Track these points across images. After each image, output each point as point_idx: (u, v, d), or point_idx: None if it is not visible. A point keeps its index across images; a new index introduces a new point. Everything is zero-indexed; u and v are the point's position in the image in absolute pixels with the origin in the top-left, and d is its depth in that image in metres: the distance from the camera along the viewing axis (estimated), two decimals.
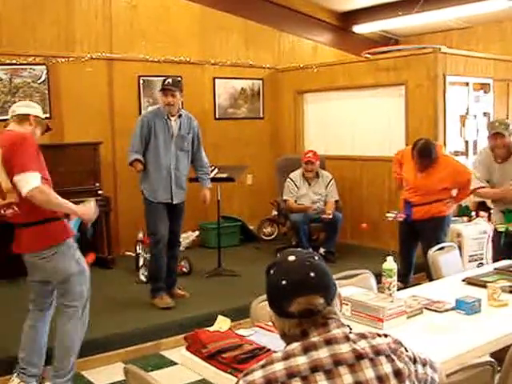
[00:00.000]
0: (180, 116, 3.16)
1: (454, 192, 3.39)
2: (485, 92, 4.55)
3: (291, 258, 0.98)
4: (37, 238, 2.09)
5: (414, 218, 3.32)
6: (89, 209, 2.18)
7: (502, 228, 2.83)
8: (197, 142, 3.24)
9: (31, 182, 1.94)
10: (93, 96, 4.32)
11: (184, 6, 4.78)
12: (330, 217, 4.08)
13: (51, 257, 2.10)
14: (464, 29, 5.60)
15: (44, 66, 4.11)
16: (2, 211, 2.08)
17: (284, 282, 0.95)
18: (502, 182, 2.81)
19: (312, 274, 0.95)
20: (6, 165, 1.98)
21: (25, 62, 4.03)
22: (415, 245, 3.46)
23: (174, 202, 3.16)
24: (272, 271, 0.99)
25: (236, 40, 5.07)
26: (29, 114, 2.14)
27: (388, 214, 3.45)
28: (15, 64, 3.99)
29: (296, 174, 4.32)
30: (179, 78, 3.21)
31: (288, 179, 4.31)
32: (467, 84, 4.40)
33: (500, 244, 2.85)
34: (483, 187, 2.84)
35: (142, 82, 4.56)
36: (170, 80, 3.10)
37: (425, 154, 3.22)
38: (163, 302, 3.11)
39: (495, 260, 2.85)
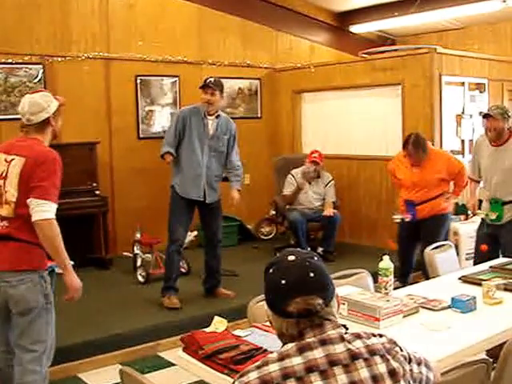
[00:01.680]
0: (218, 117, 3.17)
1: (451, 188, 3.41)
2: (480, 92, 4.58)
3: (291, 257, 0.98)
4: (18, 255, 1.84)
5: (419, 217, 3.32)
6: (77, 284, 1.88)
7: (481, 214, 2.89)
8: (232, 144, 3.25)
9: (48, 212, 1.81)
10: (90, 96, 4.31)
11: (181, 6, 4.77)
12: (331, 214, 4.09)
13: (17, 282, 1.83)
14: (459, 29, 5.62)
15: (40, 66, 4.10)
16: None
17: (283, 282, 0.95)
18: (491, 167, 2.85)
19: (311, 275, 0.96)
20: (24, 177, 1.83)
21: (21, 61, 4.02)
22: (416, 245, 3.45)
23: (207, 201, 3.17)
24: (271, 270, 0.99)
25: (233, 40, 5.07)
26: (47, 118, 1.95)
27: (395, 216, 3.41)
28: (11, 63, 3.98)
29: (298, 171, 4.34)
30: (220, 80, 3.23)
31: (289, 175, 4.34)
32: (463, 84, 4.42)
33: (482, 233, 2.91)
34: (473, 180, 3.01)
35: (139, 81, 4.56)
36: (212, 79, 3.14)
37: (418, 145, 3.26)
38: (170, 303, 3.11)
39: (476, 250, 2.90)
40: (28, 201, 1.81)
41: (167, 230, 3.20)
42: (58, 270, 1.95)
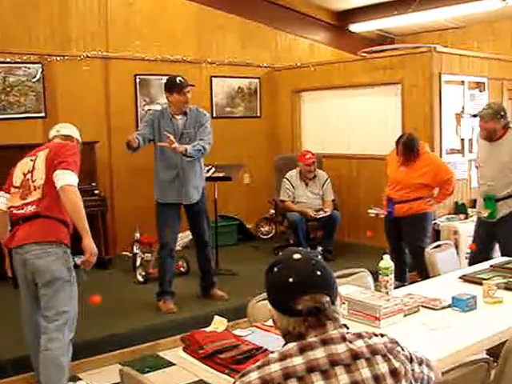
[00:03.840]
0: (185, 113, 3.07)
1: (436, 193, 3.41)
2: (480, 91, 4.57)
3: (296, 256, 0.98)
4: (45, 229, 2.08)
5: (396, 214, 3.35)
6: (94, 248, 2.09)
7: (474, 212, 2.90)
8: (202, 131, 3.03)
9: (72, 179, 2.04)
10: (89, 95, 4.30)
11: (180, 5, 4.77)
12: (326, 214, 4.08)
13: (43, 254, 2.06)
14: (459, 28, 5.62)
15: (39, 65, 4.09)
16: (22, 210, 2.11)
17: (291, 280, 0.95)
18: (486, 162, 2.87)
19: (318, 273, 0.96)
20: (48, 163, 2.09)
21: (19, 60, 4.01)
22: (403, 243, 3.47)
23: (185, 203, 3.10)
24: (276, 269, 0.99)
25: (233, 39, 5.06)
26: (73, 136, 2.33)
27: (370, 211, 3.48)
28: (10, 62, 3.97)
29: (292, 174, 4.32)
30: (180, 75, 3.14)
31: (284, 179, 4.31)
32: (463, 83, 4.42)
33: (479, 230, 2.92)
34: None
35: (138, 80, 4.55)
36: (180, 78, 3.04)
37: (408, 146, 3.28)
38: (165, 307, 3.09)
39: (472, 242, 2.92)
40: (54, 174, 2.05)
41: (157, 236, 3.17)
42: (77, 261, 2.15)
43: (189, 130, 3.06)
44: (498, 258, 2.64)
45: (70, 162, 2.08)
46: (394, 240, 3.49)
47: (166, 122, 3.05)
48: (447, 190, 3.32)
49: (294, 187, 4.28)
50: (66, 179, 2.03)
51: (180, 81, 3.03)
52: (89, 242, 2.08)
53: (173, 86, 3.02)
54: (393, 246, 3.49)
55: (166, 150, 2.99)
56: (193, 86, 3.12)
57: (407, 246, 3.44)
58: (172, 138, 2.89)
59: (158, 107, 4.64)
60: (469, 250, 3.83)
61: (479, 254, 2.83)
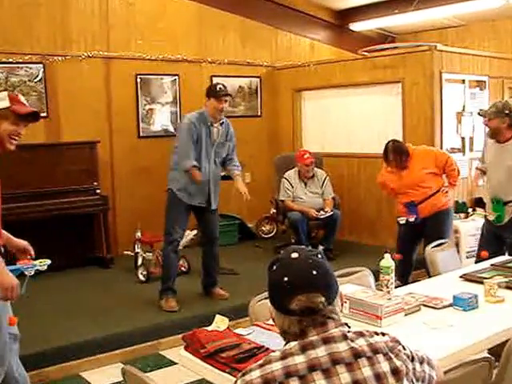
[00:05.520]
0: (222, 123, 3.15)
1: (446, 182, 3.38)
2: (480, 89, 4.57)
3: (294, 254, 0.98)
4: None
5: (422, 215, 3.30)
6: (7, 281, 1.63)
7: (481, 215, 2.88)
8: (233, 148, 3.23)
9: None
10: (90, 95, 4.31)
11: (181, 4, 4.77)
12: (328, 214, 4.09)
13: None
14: (459, 27, 5.61)
15: (41, 65, 4.09)
16: None
17: (286, 279, 0.95)
18: (494, 164, 2.84)
19: (314, 272, 0.95)
20: None
21: (21, 60, 4.01)
22: (417, 245, 3.44)
23: (213, 208, 3.18)
24: (274, 267, 0.99)
25: (233, 38, 5.06)
26: None
27: (400, 219, 3.38)
28: (11, 63, 3.97)
29: (291, 174, 4.31)
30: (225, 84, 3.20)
31: (283, 179, 4.31)
32: (463, 81, 4.41)
33: (487, 233, 2.89)
34: (480, 170, 2.97)
35: (139, 80, 4.55)
36: (221, 86, 3.09)
37: (398, 150, 3.28)
38: (167, 305, 3.09)
39: (479, 248, 2.89)
40: None
41: (164, 232, 3.18)
42: (28, 273, 1.77)
43: (223, 140, 3.17)
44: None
45: None
46: (408, 243, 3.42)
47: (205, 129, 3.10)
48: (453, 171, 3.30)
49: (293, 186, 4.28)
50: None
51: (221, 88, 3.08)
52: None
53: (211, 92, 3.09)
54: (404, 248, 3.40)
55: (202, 158, 3.07)
56: (227, 96, 3.10)
57: (428, 244, 3.38)
58: (246, 192, 3.14)
59: (159, 106, 4.67)
60: (469, 249, 3.84)
61: (489, 258, 2.80)
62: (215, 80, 4.96)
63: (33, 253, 1.84)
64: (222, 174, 3.33)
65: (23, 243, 1.85)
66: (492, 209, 2.84)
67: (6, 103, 1.68)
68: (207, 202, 3.16)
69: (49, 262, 1.81)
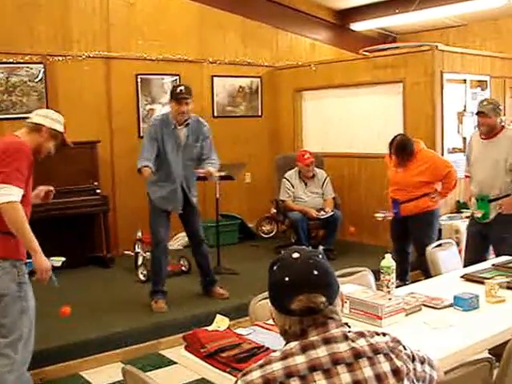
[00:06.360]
0: (187, 125, 3.06)
1: (439, 187, 3.40)
2: (482, 89, 4.56)
3: (295, 255, 0.98)
4: None
5: (403, 214, 3.34)
6: (44, 265, 1.92)
7: (467, 212, 2.92)
8: (209, 146, 3.11)
9: (9, 195, 1.84)
10: (90, 95, 4.31)
11: (182, 4, 4.77)
12: (328, 215, 4.08)
13: None
14: (461, 26, 5.60)
15: (41, 65, 4.10)
16: None
17: (286, 279, 0.95)
18: (480, 161, 2.86)
19: (315, 272, 0.95)
20: None
21: (21, 60, 4.02)
22: (408, 242, 3.46)
23: (194, 206, 3.15)
24: (275, 267, 0.99)
25: (234, 38, 5.06)
26: (43, 125, 2.01)
27: (377, 214, 3.44)
28: (12, 63, 3.98)
29: (291, 174, 4.31)
30: (189, 85, 3.09)
31: (284, 179, 4.31)
32: (464, 81, 4.41)
33: (471, 230, 2.93)
34: (468, 176, 3.01)
35: (139, 80, 4.55)
36: (182, 88, 2.99)
37: (401, 148, 3.29)
38: (156, 307, 3.08)
39: (466, 248, 2.91)
40: None
41: (150, 235, 3.17)
42: (56, 264, 2.02)
43: (190, 142, 3.07)
44: (493, 258, 2.63)
45: (11, 170, 1.83)
46: (399, 240, 3.47)
47: (169, 132, 3.03)
48: (449, 184, 3.31)
49: (293, 186, 4.28)
50: (4, 197, 1.81)
51: (181, 90, 2.98)
52: (37, 260, 1.89)
53: (172, 94, 3.03)
54: (397, 246, 3.47)
55: (170, 162, 3.02)
56: (188, 99, 2.97)
57: (414, 245, 3.43)
58: (211, 169, 3.02)
59: (159, 106, 4.67)
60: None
61: (474, 255, 2.81)
62: (216, 80, 4.97)
63: (52, 188, 2.15)
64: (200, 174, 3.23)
65: (39, 189, 2.13)
66: (477, 207, 2.85)
67: (61, 128, 2.08)
68: (183, 207, 3.09)
69: (63, 258, 2.04)
